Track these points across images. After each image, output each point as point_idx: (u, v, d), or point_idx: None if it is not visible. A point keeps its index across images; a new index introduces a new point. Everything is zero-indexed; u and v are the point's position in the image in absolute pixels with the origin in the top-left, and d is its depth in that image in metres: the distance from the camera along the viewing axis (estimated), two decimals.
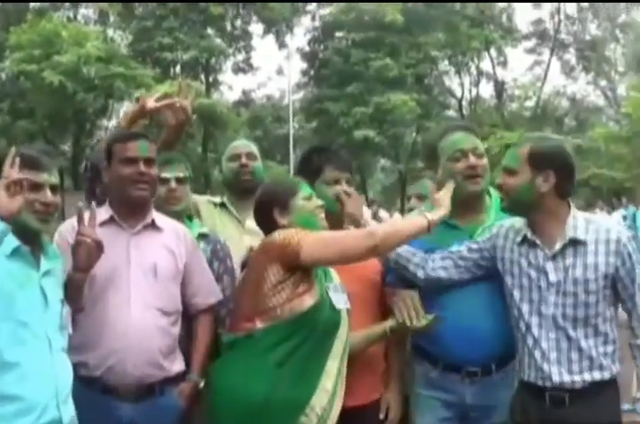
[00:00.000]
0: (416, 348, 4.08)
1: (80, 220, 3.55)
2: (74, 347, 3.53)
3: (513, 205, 3.70)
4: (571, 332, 3.56)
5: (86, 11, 37.88)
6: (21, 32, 29.86)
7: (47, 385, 3.19)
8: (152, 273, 3.85)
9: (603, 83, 44.38)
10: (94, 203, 3.70)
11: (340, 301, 3.70)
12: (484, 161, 3.95)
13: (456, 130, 4.02)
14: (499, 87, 43.03)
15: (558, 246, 3.59)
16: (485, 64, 42.85)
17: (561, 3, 41.96)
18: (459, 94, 43.24)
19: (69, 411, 3.30)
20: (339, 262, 3.70)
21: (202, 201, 4.94)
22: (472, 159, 3.90)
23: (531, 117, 40.50)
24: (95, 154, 4.44)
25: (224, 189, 5.14)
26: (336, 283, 3.79)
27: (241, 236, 4.64)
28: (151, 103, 4.53)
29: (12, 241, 3.15)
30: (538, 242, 3.65)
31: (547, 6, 42.48)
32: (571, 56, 44.67)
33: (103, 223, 3.83)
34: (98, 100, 31.41)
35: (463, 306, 3.87)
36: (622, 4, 39.96)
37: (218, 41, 37.27)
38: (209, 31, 36.99)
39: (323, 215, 3.78)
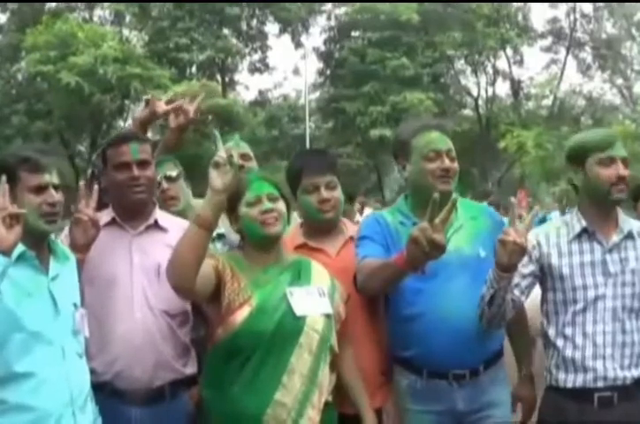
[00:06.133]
0: (397, 360, 3.90)
1: (80, 199, 3.56)
2: None
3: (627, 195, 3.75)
4: (627, 324, 3.62)
5: (101, 12, 37.97)
6: (37, 33, 29.98)
7: (60, 394, 3.13)
8: (155, 274, 3.78)
9: (619, 81, 44.14)
10: (96, 185, 3.69)
11: (309, 306, 3.56)
12: (456, 164, 3.83)
13: (432, 129, 3.88)
14: (516, 86, 42.82)
15: (616, 239, 3.68)
16: (501, 63, 42.66)
17: (577, 2, 41.77)
18: (475, 92, 43.06)
19: (87, 418, 3.26)
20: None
21: (199, 205, 4.86)
22: (446, 161, 3.79)
23: (548, 116, 40.32)
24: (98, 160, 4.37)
25: None
26: (313, 286, 3.65)
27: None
28: (162, 107, 4.48)
29: (17, 247, 3.05)
30: (598, 234, 3.69)
31: (563, 5, 42.31)
32: (587, 54, 44.42)
33: (105, 226, 3.79)
34: (115, 100, 31.54)
35: (443, 302, 3.71)
36: (639, 2, 39.71)
37: (234, 41, 37.41)
38: (225, 31, 37.08)
39: (271, 219, 3.57)
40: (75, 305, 3.31)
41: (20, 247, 3.08)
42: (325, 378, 3.56)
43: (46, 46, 29.40)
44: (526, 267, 3.69)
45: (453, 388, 3.76)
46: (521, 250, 3.38)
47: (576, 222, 3.73)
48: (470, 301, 3.66)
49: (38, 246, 3.21)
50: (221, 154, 3.28)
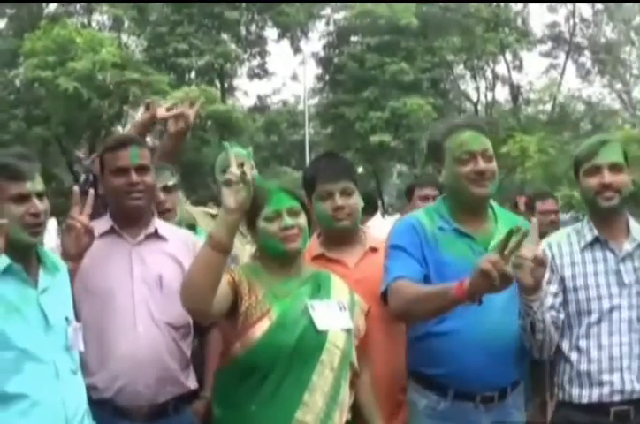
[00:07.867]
0: (418, 377, 3.66)
1: (74, 204, 3.39)
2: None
3: (622, 203, 3.60)
4: None
5: (100, 17, 37.95)
6: (35, 38, 29.90)
7: (54, 415, 2.96)
8: (157, 286, 3.66)
9: (618, 86, 44.18)
10: (91, 190, 3.54)
11: (330, 321, 3.39)
12: (493, 164, 3.57)
13: (464, 128, 3.59)
14: (515, 91, 42.86)
15: (629, 247, 3.60)
16: (501, 68, 42.77)
17: (576, 6, 41.86)
18: (474, 98, 43.17)
19: None
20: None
21: (199, 213, 4.73)
22: (481, 163, 3.52)
23: (547, 121, 40.32)
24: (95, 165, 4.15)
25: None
26: (333, 300, 3.48)
27: (244, 246, 4.29)
28: (162, 112, 4.34)
29: (2, 260, 2.90)
30: (610, 243, 3.60)
31: (562, 9, 42.46)
32: (586, 59, 44.48)
33: (103, 234, 3.65)
34: (113, 106, 31.44)
35: (481, 320, 3.46)
36: (637, 7, 39.74)
37: (233, 46, 37.38)
38: (224, 36, 37.10)
39: (291, 236, 3.41)
40: (67, 319, 3.12)
41: (6, 260, 2.90)
42: (346, 396, 3.43)
43: (44, 51, 29.34)
44: (553, 285, 3.59)
45: (479, 410, 3.55)
46: (540, 263, 3.27)
47: (588, 230, 3.65)
48: (509, 320, 3.50)
49: (25, 258, 3.03)
50: (233, 170, 3.10)
